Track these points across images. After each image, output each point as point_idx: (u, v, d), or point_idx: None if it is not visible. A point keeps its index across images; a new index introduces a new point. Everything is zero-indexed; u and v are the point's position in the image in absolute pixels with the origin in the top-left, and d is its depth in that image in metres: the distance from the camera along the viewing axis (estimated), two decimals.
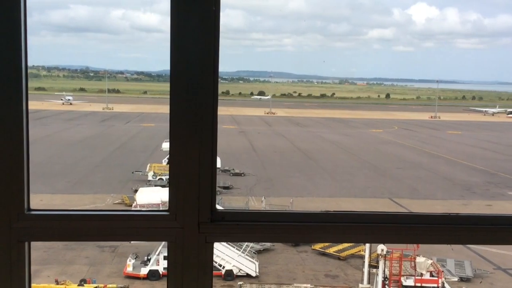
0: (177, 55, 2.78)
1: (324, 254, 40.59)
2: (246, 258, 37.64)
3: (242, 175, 62.10)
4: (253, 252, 39.01)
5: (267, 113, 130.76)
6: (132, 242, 36.78)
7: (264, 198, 47.36)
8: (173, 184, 2.90)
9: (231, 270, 36.75)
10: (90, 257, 37.69)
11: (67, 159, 65.74)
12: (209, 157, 2.87)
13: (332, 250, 40.47)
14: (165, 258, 35.99)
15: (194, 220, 2.87)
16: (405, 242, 4.44)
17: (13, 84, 2.69)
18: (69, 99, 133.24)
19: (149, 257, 37.11)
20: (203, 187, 2.87)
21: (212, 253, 2.93)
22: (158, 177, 58.24)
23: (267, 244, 40.13)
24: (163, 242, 35.94)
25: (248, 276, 36.78)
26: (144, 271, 36.52)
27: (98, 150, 73.00)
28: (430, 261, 35.08)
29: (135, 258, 36.95)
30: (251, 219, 2.94)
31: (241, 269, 36.97)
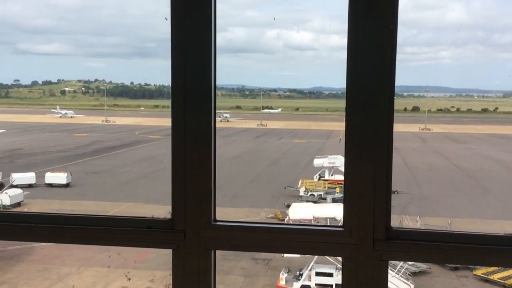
0: (354, 72, 2.84)
1: (487, 280, 37.57)
2: (400, 280, 36.21)
3: (395, 193, 60.05)
4: (408, 274, 37.42)
5: (422, 129, 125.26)
6: (285, 256, 37.48)
7: (419, 217, 45.30)
8: (348, 200, 2.94)
9: None
10: (246, 268, 39.05)
11: (225, 173, 69.12)
12: (384, 174, 2.88)
13: (496, 276, 37.32)
14: (317, 274, 36.06)
15: (369, 237, 2.88)
16: None
17: (204, 102, 2.95)
18: (226, 116, 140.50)
19: (301, 272, 37.42)
20: (378, 204, 2.88)
21: (387, 272, 2.91)
22: (310, 193, 58.73)
23: (423, 266, 38.23)
24: (315, 258, 36.08)
25: None
26: (296, 286, 36.89)
27: (253, 165, 75.81)
28: None
29: (287, 272, 37.50)
30: (428, 239, 2.87)
31: None
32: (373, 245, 2.87)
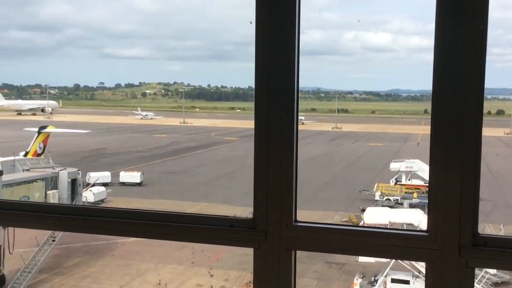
0: (441, 75, 2.77)
1: None
2: None
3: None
4: (490, 284, 35.78)
5: (507, 134, 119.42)
6: (359, 260, 36.90)
7: (503, 225, 43.17)
8: (432, 205, 2.88)
9: None
10: (319, 271, 38.82)
11: (298, 176, 68.99)
12: (471, 179, 2.79)
13: None
14: (392, 281, 35.20)
15: (455, 243, 2.81)
16: None
17: (287, 104, 3.00)
18: (301, 119, 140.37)
19: (376, 278, 36.70)
20: (464, 209, 2.80)
21: (473, 279, 2.83)
22: (386, 198, 57.48)
23: (506, 277, 36.45)
24: (391, 264, 35.25)
25: None
26: None
27: (327, 168, 75.28)
28: None
29: (362, 277, 36.90)
30: None
31: None
32: (459, 251, 2.79)
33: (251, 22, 2.99)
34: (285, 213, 3.04)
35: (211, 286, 36.59)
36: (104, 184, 58.42)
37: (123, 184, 62.67)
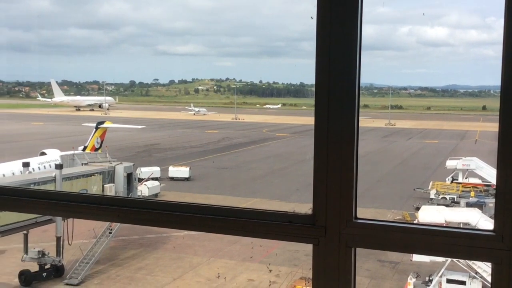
0: (510, 70, 2.68)
1: None
2: None
3: None
4: None
5: None
6: (413, 259, 36.19)
7: None
8: (500, 205, 2.79)
9: None
10: (371, 270, 38.35)
11: None
12: None
13: None
14: (448, 281, 34.36)
15: None
16: None
17: (348, 100, 2.97)
18: None
19: (430, 278, 35.91)
20: None
21: None
22: (441, 196, 56.12)
23: None
24: (446, 264, 34.39)
25: None
26: None
27: (380, 165, 74.09)
28: None
29: (416, 277, 36.19)
30: None
31: None
32: None
33: (312, 18, 2.98)
34: (345, 210, 3.02)
35: (270, 281, 36.68)
36: (153, 179, 59.84)
37: (172, 179, 64.02)
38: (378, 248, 3.11)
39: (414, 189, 59.54)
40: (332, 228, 3.05)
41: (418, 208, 46.38)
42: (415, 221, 41.24)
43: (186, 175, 65.06)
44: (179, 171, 65.69)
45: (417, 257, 33.73)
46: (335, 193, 3.04)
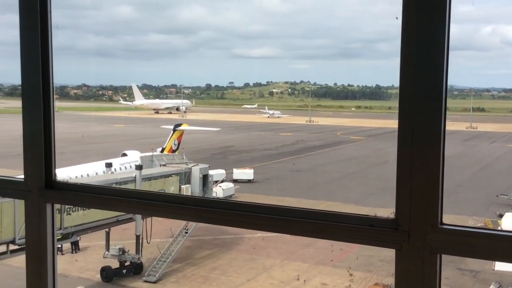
0: None
1: None
2: None
3: None
4: None
5: None
6: (495, 269, 34.55)
7: None
8: None
9: None
10: (450, 278, 36.95)
11: None
12: None
13: None
14: None
15: None
16: None
17: (435, 102, 2.88)
18: None
19: None
20: None
21: None
22: None
23: None
24: None
25: None
26: None
27: (461, 170, 71.28)
28: None
29: (498, 287, 34.51)
30: None
31: None
32: None
33: (397, 18, 2.92)
34: (430, 214, 2.93)
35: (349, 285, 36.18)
36: (216, 181, 60.57)
37: (236, 181, 64.56)
38: (464, 255, 2.99)
39: (497, 195, 56.81)
40: (416, 233, 2.97)
41: (501, 215, 44.26)
42: (499, 229, 39.36)
43: (251, 177, 65.58)
44: (244, 173, 66.34)
45: (499, 266, 32.18)
46: (420, 197, 2.96)
